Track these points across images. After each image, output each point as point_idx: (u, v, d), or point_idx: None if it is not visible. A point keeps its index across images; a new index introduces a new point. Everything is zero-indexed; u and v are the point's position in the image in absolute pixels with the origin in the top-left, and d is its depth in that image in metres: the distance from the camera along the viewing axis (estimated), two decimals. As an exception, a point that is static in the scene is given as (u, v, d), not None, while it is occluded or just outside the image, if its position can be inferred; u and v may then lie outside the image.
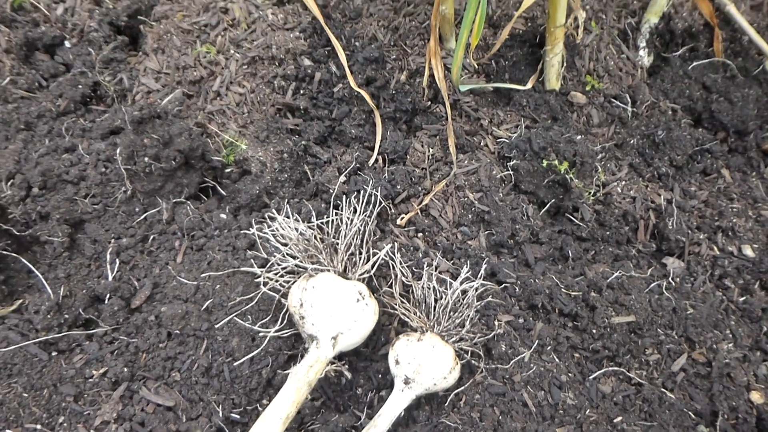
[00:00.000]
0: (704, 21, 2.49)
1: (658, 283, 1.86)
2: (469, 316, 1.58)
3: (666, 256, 2.00)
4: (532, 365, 1.62)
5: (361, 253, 1.66)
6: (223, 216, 1.89)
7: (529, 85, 2.20)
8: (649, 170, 2.15)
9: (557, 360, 1.67)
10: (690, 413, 1.68)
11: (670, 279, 1.91)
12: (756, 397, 1.75)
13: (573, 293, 1.76)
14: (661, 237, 2.01)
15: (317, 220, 1.75)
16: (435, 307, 1.59)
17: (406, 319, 1.60)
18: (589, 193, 2.04)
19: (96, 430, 1.44)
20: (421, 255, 1.82)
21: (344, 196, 1.84)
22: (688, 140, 2.18)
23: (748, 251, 1.99)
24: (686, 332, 1.78)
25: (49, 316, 1.54)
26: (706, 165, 2.22)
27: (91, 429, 1.44)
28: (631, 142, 2.19)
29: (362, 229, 1.70)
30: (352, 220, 1.65)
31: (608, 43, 2.37)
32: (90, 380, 1.50)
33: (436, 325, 1.56)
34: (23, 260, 1.60)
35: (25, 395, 1.45)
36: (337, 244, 1.65)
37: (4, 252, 1.59)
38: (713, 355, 1.78)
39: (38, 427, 1.43)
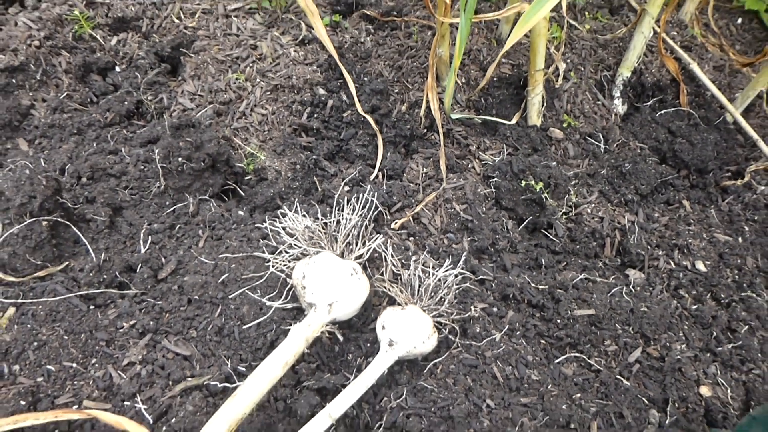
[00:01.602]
0: (671, 77, 2.84)
1: (619, 288, 2.11)
2: (447, 296, 1.84)
3: (628, 269, 2.25)
4: (502, 345, 1.86)
5: (357, 244, 1.93)
6: (241, 213, 2.17)
7: (513, 120, 2.53)
8: (616, 196, 2.43)
9: (525, 343, 1.91)
10: (643, 399, 1.89)
11: (630, 286, 2.16)
12: (705, 390, 1.96)
13: (540, 287, 2.01)
14: (624, 252, 2.27)
15: (322, 219, 2.04)
16: (419, 288, 1.84)
17: (394, 296, 1.85)
18: (562, 211, 2.31)
19: (123, 369, 1.68)
20: (410, 254, 2.09)
21: (346, 201, 2.14)
22: (653, 173, 2.48)
23: (701, 266, 2.24)
24: (642, 329, 2.01)
25: (90, 275, 1.81)
26: (669, 196, 2.50)
27: (119, 369, 1.68)
28: (602, 172, 2.49)
29: (360, 224, 1.98)
30: (350, 217, 1.94)
31: (585, 90, 2.71)
32: (120, 330, 1.75)
33: (418, 301, 1.81)
34: (74, 229, 1.89)
35: (65, 338, 1.70)
36: (338, 235, 1.93)
37: (59, 220, 1.87)
38: (666, 352, 2.00)
39: (74, 365, 1.67)
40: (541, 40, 2.33)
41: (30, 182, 1.80)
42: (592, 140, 2.59)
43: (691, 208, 2.48)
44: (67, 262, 1.87)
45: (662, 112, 2.73)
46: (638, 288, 2.16)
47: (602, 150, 2.58)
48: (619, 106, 2.77)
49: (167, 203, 2.16)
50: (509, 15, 2.31)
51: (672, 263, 2.25)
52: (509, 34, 2.11)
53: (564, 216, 2.32)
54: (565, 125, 2.57)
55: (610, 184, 2.47)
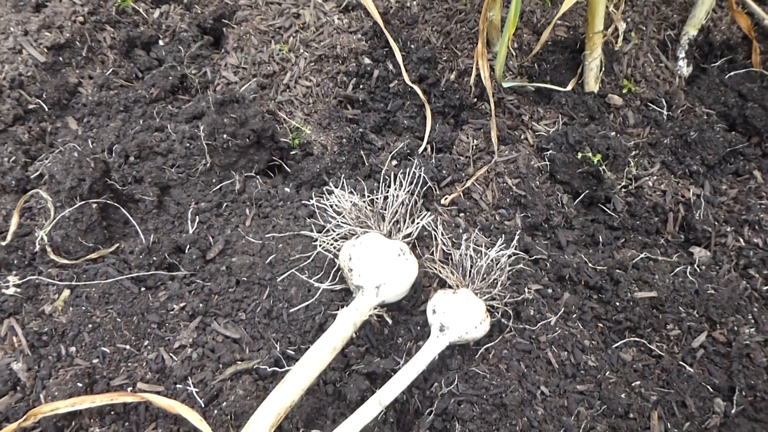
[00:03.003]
0: (742, 34, 2.62)
1: (683, 268, 2.00)
2: (500, 278, 1.77)
3: (693, 246, 2.12)
4: (557, 329, 1.78)
5: (405, 221, 1.88)
6: (287, 190, 2.14)
7: (569, 87, 2.39)
8: (680, 168, 2.29)
9: (581, 327, 1.83)
10: (708, 386, 1.80)
11: (695, 266, 2.03)
12: (774, 377, 1.85)
13: (599, 267, 1.92)
14: (689, 228, 2.14)
15: (369, 195, 1.98)
16: (470, 270, 1.78)
17: (445, 278, 1.80)
18: (621, 185, 2.19)
19: (174, 352, 1.69)
20: (461, 231, 2.02)
21: (395, 178, 2.07)
22: (721, 142, 2.31)
23: (774, 244, 2.09)
24: (707, 312, 1.90)
25: (140, 257, 1.82)
26: (739, 166, 2.34)
27: (170, 351, 1.69)
28: (665, 141, 2.34)
29: (408, 201, 1.91)
30: (397, 194, 1.87)
31: (647, 52, 2.53)
32: (171, 312, 1.76)
33: (470, 284, 1.75)
34: (123, 210, 1.89)
35: (119, 320, 1.72)
36: (385, 213, 1.87)
37: (108, 202, 1.88)
38: (734, 336, 1.89)
39: (127, 347, 1.69)
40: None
41: (79, 165, 1.81)
42: (654, 106, 2.43)
43: (763, 179, 2.31)
44: (117, 244, 1.88)
45: (732, 73, 2.53)
46: (704, 267, 2.03)
47: (665, 117, 2.41)
48: (684, 68, 2.58)
49: (214, 181, 2.14)
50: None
51: (741, 240, 2.11)
52: (567, -4, 1.97)
53: (623, 189, 2.20)
54: (624, 91, 2.41)
55: (674, 155, 2.32)
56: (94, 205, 1.81)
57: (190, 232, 1.95)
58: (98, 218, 1.83)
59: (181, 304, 1.76)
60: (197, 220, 1.99)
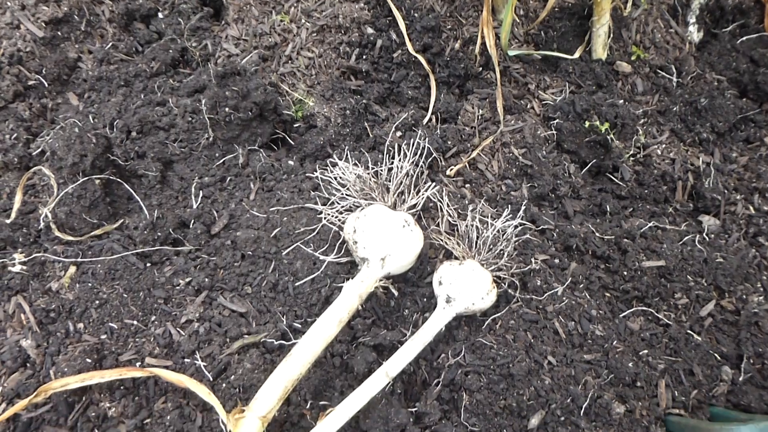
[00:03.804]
0: (755, -3, 2.55)
1: (691, 237, 1.98)
2: (507, 249, 1.75)
3: (702, 215, 2.10)
4: (564, 299, 1.77)
5: (410, 193, 1.86)
6: (291, 163, 2.12)
7: (576, 55, 2.34)
8: (690, 135, 2.25)
9: (588, 297, 1.82)
10: (716, 354, 1.79)
11: (704, 234, 2.01)
12: (783, 345, 1.84)
13: (606, 237, 1.90)
14: (698, 196, 2.12)
15: (373, 166, 1.96)
16: (477, 241, 1.77)
17: (451, 249, 1.79)
18: (630, 153, 2.16)
19: (181, 327, 1.70)
20: (467, 202, 2.00)
21: (398, 147, 2.05)
22: (732, 109, 2.26)
23: (784, 211, 2.07)
24: (716, 281, 1.89)
25: (145, 233, 1.81)
26: (750, 134, 2.30)
27: (177, 326, 1.70)
28: (674, 109, 2.29)
29: (412, 172, 1.89)
30: (402, 165, 1.85)
31: (656, 18, 2.47)
32: (177, 287, 1.76)
33: (477, 255, 1.74)
34: (126, 186, 1.88)
35: (125, 296, 1.72)
36: (389, 184, 1.85)
37: (111, 178, 1.87)
38: (742, 305, 1.88)
39: (135, 322, 1.70)
40: (609, -37, 2.11)
41: (80, 141, 1.79)
42: (664, 73, 2.38)
43: (774, 145, 2.28)
44: (122, 220, 1.88)
45: (744, 38, 2.47)
46: (713, 236, 2.02)
47: (675, 84, 2.37)
48: (695, 34, 2.53)
49: (217, 155, 2.12)
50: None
51: (751, 208, 2.09)
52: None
53: (631, 158, 2.17)
54: (633, 58, 2.36)
55: (683, 122, 2.28)
56: (97, 181, 1.80)
57: (194, 207, 1.94)
58: (102, 194, 1.82)
59: (187, 279, 1.76)
60: (201, 195, 1.98)
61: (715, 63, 2.45)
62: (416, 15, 2.35)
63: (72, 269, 1.75)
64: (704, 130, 2.24)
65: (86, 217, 1.80)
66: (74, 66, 2.36)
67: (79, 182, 1.77)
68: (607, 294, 1.86)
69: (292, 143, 2.21)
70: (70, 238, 1.79)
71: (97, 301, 1.70)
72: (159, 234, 1.83)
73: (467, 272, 1.65)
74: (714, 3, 2.56)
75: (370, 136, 2.19)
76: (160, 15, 2.54)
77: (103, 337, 1.67)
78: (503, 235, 1.79)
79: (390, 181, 1.87)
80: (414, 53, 2.23)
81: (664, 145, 2.20)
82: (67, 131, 1.80)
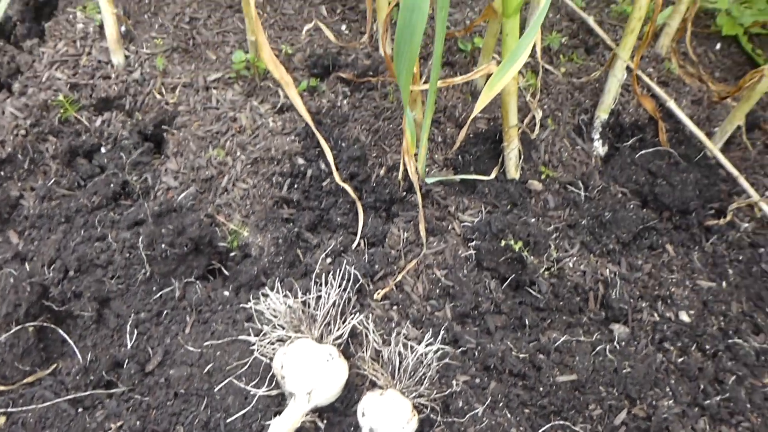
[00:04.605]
0: (649, 115, 2.85)
1: (603, 346, 2.12)
2: (427, 375, 1.86)
3: (613, 323, 2.26)
4: (485, 419, 1.87)
5: (336, 322, 1.97)
6: (226, 293, 2.22)
7: (492, 176, 2.55)
8: (598, 247, 2.44)
9: (509, 414, 1.92)
10: (631, 463, 1.90)
11: (615, 343, 2.17)
12: (693, 448, 1.96)
13: (521, 355, 2.03)
14: (607, 306, 2.28)
15: (303, 295, 2.07)
16: (399, 368, 1.87)
17: (375, 379, 1.88)
18: (544, 267, 2.33)
19: (112, 474, 1.73)
20: (393, 325, 2.11)
21: (329, 275, 2.17)
22: (634, 220, 2.48)
23: (685, 317, 2.24)
24: (626, 390, 2.02)
25: (77, 378, 1.86)
26: (653, 241, 2.51)
27: (108, 473, 1.73)
28: (583, 222, 2.50)
29: (339, 302, 2.01)
30: (329, 295, 1.97)
31: (563, 137, 2.73)
32: (108, 432, 1.80)
33: (398, 383, 1.84)
34: (60, 331, 1.94)
35: (56, 444, 1.75)
36: (317, 315, 1.96)
37: (45, 324, 1.93)
38: (653, 411, 2.01)
39: (65, 471, 1.72)
40: (511, 98, 2.36)
41: (15, 291, 1.86)
42: (573, 188, 2.61)
43: (675, 252, 2.49)
44: (55, 364, 1.92)
45: (642, 152, 2.74)
46: (623, 343, 2.17)
47: (583, 198, 2.59)
48: (600, 148, 2.79)
49: (154, 289, 2.21)
50: (478, 77, 2.33)
51: (656, 315, 2.26)
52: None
53: (546, 272, 2.34)
54: (543, 177, 2.59)
55: (592, 234, 2.48)
56: (31, 329, 1.86)
57: (129, 345, 2.00)
58: (35, 341, 1.88)
59: (119, 423, 1.81)
60: (136, 333, 2.05)
61: (617, 176, 2.69)
62: (343, 145, 2.54)
63: (1, 419, 1.78)
64: (610, 241, 2.44)
65: (18, 365, 1.85)
66: (16, 204, 2.46)
67: (11, 331, 1.83)
68: (527, 410, 1.96)
69: (227, 273, 2.31)
70: (1, 387, 1.83)
71: (26, 453, 1.73)
72: (91, 378, 1.88)
73: (388, 402, 1.75)
74: (614, 121, 2.85)
75: (302, 262, 2.32)
76: (102, 150, 2.68)
77: (32, 490, 1.68)
78: (425, 358, 1.90)
79: (318, 310, 1.99)
80: (341, 182, 2.40)
81: (575, 258, 2.39)
82: (1, 281, 1.87)
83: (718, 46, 3.38)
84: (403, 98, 2.07)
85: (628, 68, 2.73)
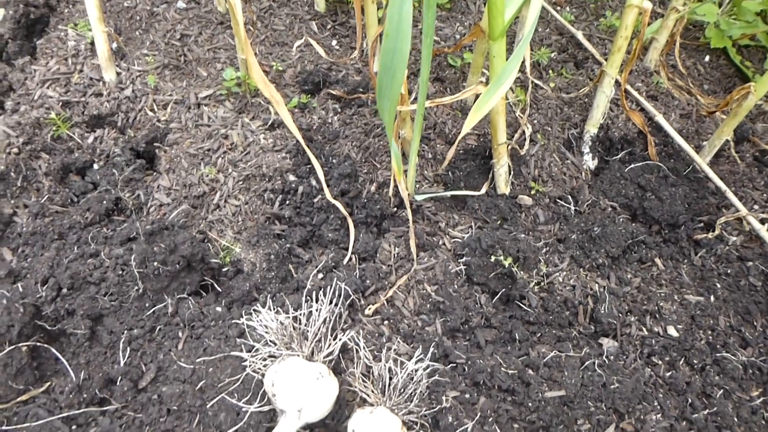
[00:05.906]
0: (638, 129, 2.88)
1: (592, 361, 2.15)
2: (417, 391, 1.88)
3: (602, 337, 2.28)
4: (474, 435, 1.90)
5: (327, 339, 1.99)
6: (219, 309, 2.24)
7: (482, 191, 2.58)
8: (588, 261, 2.47)
9: (498, 430, 1.94)
10: (619, 478, 1.92)
11: (603, 357, 2.19)
12: (681, 462, 1.98)
13: (510, 371, 2.05)
14: (596, 320, 2.31)
15: (295, 311, 2.09)
16: (389, 385, 1.89)
17: (365, 396, 1.90)
18: (534, 282, 2.35)
19: (104, 492, 1.74)
20: (384, 340, 2.14)
21: (321, 291, 2.19)
22: (623, 234, 2.51)
23: (673, 331, 2.27)
24: (614, 404, 2.04)
25: (71, 396, 1.87)
26: (642, 255, 2.53)
27: (100, 492, 1.74)
28: (572, 237, 2.53)
29: (330, 318, 2.03)
30: (320, 311, 2.00)
31: (552, 152, 2.76)
32: (101, 451, 1.81)
33: (388, 400, 1.86)
34: (53, 350, 1.96)
35: (48, 464, 1.77)
36: (308, 331, 1.98)
37: (38, 344, 1.95)
38: (641, 425, 2.03)
39: (57, 490, 1.74)
40: (500, 116, 2.38)
41: (8, 312, 1.88)
42: (562, 202, 2.64)
43: (664, 265, 2.51)
44: (49, 382, 1.94)
45: (631, 166, 2.77)
46: (612, 358, 2.19)
47: (572, 212, 2.62)
48: (590, 162, 2.82)
49: (147, 305, 2.23)
50: (466, 97, 2.36)
51: (644, 329, 2.28)
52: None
53: (536, 286, 2.36)
54: (533, 191, 2.62)
55: (581, 249, 2.51)
56: (24, 348, 1.88)
57: (122, 362, 2.02)
58: (28, 360, 1.89)
59: (111, 441, 1.82)
60: (129, 349, 2.07)
61: (607, 190, 2.72)
62: (334, 161, 2.57)
63: (-5, 440, 1.79)
64: (600, 255, 2.46)
65: (12, 384, 1.86)
66: (9, 221, 2.47)
67: (5, 351, 1.85)
68: (516, 425, 1.98)
69: (220, 289, 2.33)
70: (-5, 407, 1.85)
71: (19, 473, 1.74)
72: (85, 396, 1.90)
73: (377, 420, 1.76)
74: (603, 135, 2.88)
75: (294, 278, 2.34)
76: (95, 166, 2.71)
77: None
78: (415, 374, 1.92)
79: (309, 327, 2.01)
80: (331, 199, 2.42)
81: (564, 272, 2.41)
82: (-5, 302, 1.89)
83: (707, 58, 3.43)
84: (387, 133, 2.09)
85: (616, 83, 2.77)
